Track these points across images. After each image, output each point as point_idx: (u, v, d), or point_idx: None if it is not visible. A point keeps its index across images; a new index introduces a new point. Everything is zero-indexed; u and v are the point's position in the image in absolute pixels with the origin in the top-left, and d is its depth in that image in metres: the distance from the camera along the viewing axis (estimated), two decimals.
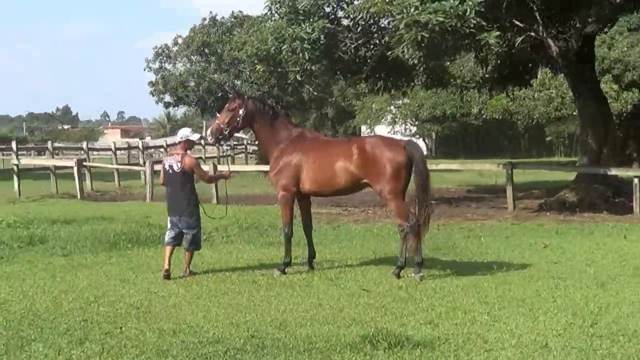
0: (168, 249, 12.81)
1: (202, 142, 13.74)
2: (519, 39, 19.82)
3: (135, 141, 58.84)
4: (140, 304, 10.59)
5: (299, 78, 21.97)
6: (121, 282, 12.17)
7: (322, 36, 19.47)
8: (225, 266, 13.40)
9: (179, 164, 12.79)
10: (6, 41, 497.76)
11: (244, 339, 8.64)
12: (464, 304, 10.14)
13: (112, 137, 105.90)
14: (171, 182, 12.91)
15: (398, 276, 12.14)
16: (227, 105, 13.38)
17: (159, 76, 50.22)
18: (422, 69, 23.28)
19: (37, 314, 10.06)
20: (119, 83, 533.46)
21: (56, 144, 61.45)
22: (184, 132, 13.15)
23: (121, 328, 9.30)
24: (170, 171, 12.83)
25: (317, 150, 12.72)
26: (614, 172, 22.46)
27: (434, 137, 75.09)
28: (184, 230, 12.85)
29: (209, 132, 13.34)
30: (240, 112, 13.00)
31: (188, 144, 13.12)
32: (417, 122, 68.58)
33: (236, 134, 15.98)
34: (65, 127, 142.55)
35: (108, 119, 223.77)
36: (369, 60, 22.73)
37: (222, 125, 13.06)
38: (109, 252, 15.13)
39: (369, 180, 12.23)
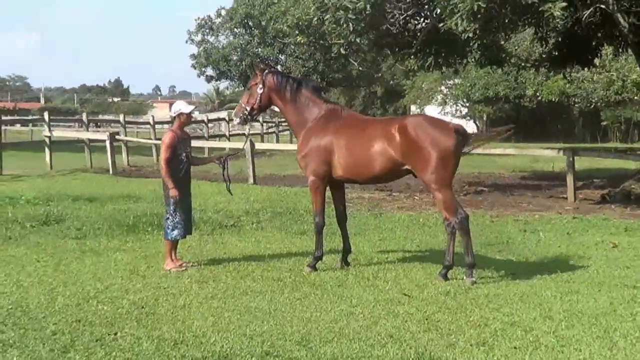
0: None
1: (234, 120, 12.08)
2: (586, 12, 17.89)
3: None
4: (145, 303, 9.15)
5: (342, 52, 20.32)
6: (130, 273, 10.76)
7: (368, 6, 17.66)
8: (251, 258, 11.86)
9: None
10: (64, 16, 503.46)
11: (256, 356, 7.15)
12: (523, 319, 8.46)
13: (160, 111, 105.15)
14: None
15: (445, 277, 10.53)
16: (249, 81, 11.90)
17: (201, 49, 48.97)
18: (476, 45, 21.50)
19: (25, 311, 8.77)
20: (172, 59, 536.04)
21: (104, 117, 60.43)
22: (178, 106, 11.57)
23: (116, 333, 7.91)
24: None
25: (352, 130, 11.01)
26: None
27: (484, 118, 72.94)
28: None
29: (233, 114, 11.89)
30: (259, 89, 11.47)
31: (183, 119, 11.46)
32: (467, 103, 66.50)
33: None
34: (115, 99, 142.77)
35: (159, 93, 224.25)
36: (418, 34, 21.03)
37: (243, 105, 11.59)
38: (126, 236, 13.76)
39: (412, 167, 10.52)
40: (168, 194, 11.22)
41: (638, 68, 27.87)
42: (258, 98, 11.44)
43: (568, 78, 40.05)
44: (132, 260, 11.67)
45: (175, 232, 11.26)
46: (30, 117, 58.55)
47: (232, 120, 12.41)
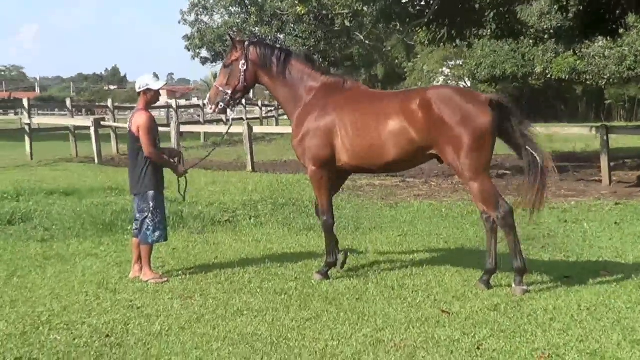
0: (133, 241, 9.38)
1: (206, 106, 9.75)
2: None
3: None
4: (111, 330, 7.12)
5: (347, 24, 18.29)
6: (97, 287, 8.72)
7: None
8: (248, 263, 9.81)
9: (129, 123, 9.25)
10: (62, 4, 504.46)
11: None
12: (605, 346, 6.39)
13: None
14: (128, 148, 9.42)
15: (488, 285, 8.50)
16: (224, 59, 9.66)
17: (194, 29, 46.80)
18: (492, 14, 19.56)
19: None
20: (169, 45, 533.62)
21: (99, 104, 58.04)
22: (144, 80, 9.32)
23: None
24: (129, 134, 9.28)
25: (359, 106, 8.83)
26: None
27: None
28: (136, 215, 9.36)
29: (206, 101, 9.58)
30: (241, 65, 9.27)
31: (149, 96, 9.29)
32: (470, 84, 64.34)
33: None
34: (112, 87, 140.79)
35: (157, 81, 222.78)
36: (431, 3, 18.96)
37: (221, 89, 9.33)
38: (101, 237, 11.70)
39: (438, 151, 8.42)
40: (143, 186, 9.15)
41: None
42: (242, 77, 9.24)
43: (578, 54, 37.92)
44: (103, 268, 9.63)
45: (157, 233, 9.18)
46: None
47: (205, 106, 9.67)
